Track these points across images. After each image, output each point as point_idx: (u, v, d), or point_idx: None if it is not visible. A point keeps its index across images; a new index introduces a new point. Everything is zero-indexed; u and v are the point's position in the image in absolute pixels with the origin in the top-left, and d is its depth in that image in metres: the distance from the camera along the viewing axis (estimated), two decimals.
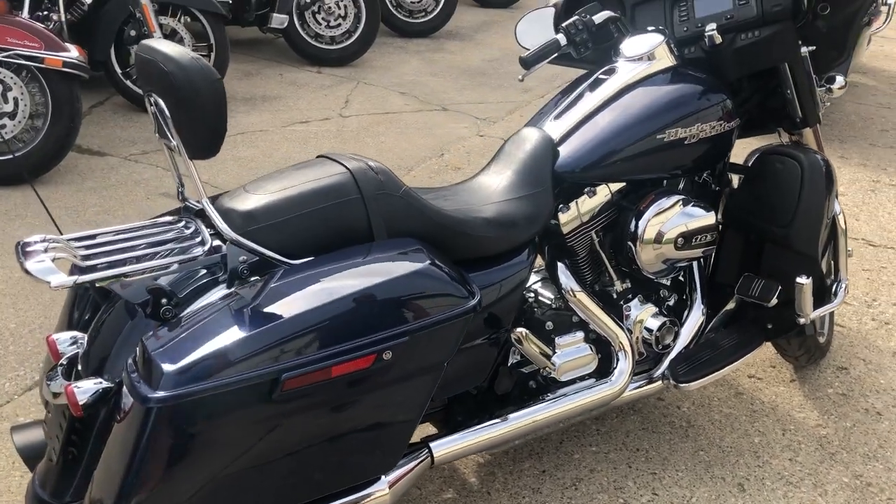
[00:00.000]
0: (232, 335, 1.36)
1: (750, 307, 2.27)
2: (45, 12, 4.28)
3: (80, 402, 1.44)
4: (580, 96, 2.09)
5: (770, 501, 2.15)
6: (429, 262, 1.55)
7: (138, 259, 1.53)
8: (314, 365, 1.36)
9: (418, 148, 4.44)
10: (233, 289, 1.52)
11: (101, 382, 1.49)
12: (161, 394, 1.29)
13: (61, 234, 1.68)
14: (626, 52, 2.14)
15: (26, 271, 1.42)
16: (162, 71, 1.44)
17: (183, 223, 1.65)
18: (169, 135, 1.51)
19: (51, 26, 4.16)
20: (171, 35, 4.64)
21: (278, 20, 5.54)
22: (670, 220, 2.02)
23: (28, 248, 1.49)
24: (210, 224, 1.58)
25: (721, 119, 2.06)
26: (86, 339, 1.65)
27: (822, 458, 2.31)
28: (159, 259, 1.53)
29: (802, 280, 2.10)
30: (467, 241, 1.78)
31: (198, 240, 1.56)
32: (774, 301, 2.13)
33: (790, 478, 2.23)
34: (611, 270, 2.10)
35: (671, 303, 2.21)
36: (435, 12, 6.66)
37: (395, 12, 6.58)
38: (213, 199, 1.75)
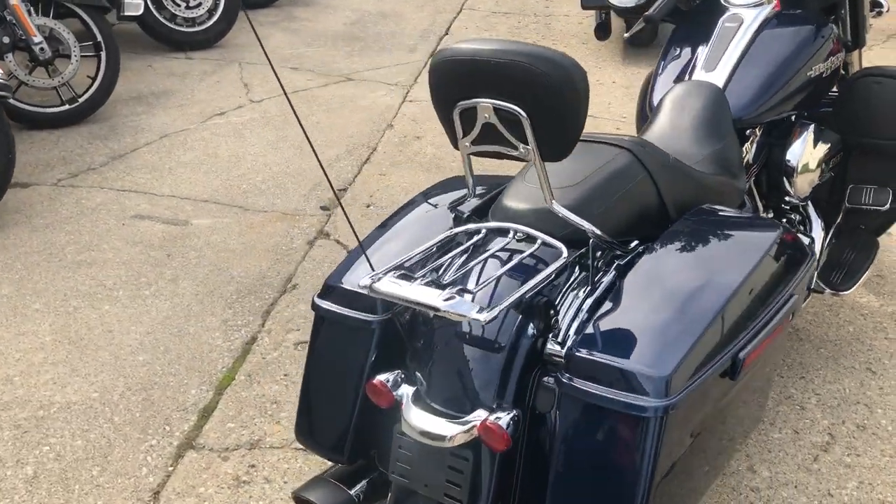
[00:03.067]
0: (680, 328, 1.34)
1: (846, 215, 2.55)
2: None
3: (510, 434, 1.36)
4: (720, 45, 2.19)
5: None
6: (780, 226, 1.60)
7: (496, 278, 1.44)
8: (759, 336, 1.39)
9: (360, 123, 4.28)
10: (602, 284, 1.48)
11: (499, 415, 1.40)
12: (663, 401, 1.26)
13: (373, 268, 1.53)
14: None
15: (440, 311, 1.29)
16: (532, 72, 1.34)
17: (484, 231, 1.56)
18: (517, 141, 1.42)
19: None
20: (50, 38, 4.04)
21: (133, 6, 4.97)
22: (817, 148, 2.22)
23: (385, 287, 1.35)
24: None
25: (839, 50, 2.27)
26: (416, 375, 1.53)
27: None
28: (513, 271, 1.45)
29: None
30: (722, 200, 1.84)
31: (536, 245, 1.49)
32: (888, 206, 2.43)
33: None
34: (758, 201, 2.27)
35: (796, 222, 2.43)
36: None
37: None
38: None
